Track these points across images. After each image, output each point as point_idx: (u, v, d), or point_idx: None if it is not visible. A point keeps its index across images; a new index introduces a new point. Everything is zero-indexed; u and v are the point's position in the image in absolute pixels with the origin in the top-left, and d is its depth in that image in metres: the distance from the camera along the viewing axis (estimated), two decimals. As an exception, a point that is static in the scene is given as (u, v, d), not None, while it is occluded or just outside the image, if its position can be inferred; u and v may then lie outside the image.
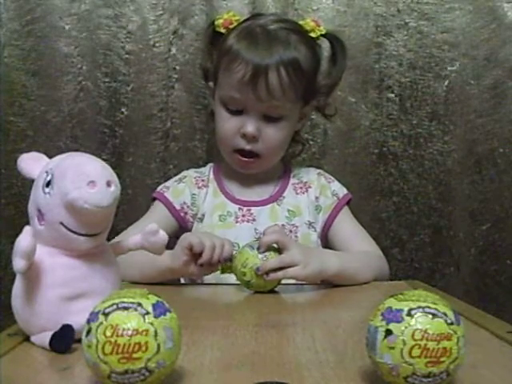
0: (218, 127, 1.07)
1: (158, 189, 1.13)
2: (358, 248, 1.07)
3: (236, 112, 1.04)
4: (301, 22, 1.10)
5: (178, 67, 1.29)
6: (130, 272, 0.93)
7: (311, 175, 1.15)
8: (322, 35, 1.10)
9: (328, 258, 0.95)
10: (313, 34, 1.08)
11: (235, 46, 1.02)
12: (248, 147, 1.04)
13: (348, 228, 1.11)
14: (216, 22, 1.09)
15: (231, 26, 1.07)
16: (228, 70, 1.02)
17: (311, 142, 1.32)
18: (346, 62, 1.12)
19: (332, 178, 1.16)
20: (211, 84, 1.11)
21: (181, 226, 1.09)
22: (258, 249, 0.91)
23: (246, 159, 1.06)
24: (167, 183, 1.14)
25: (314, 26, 1.09)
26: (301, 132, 1.18)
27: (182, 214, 1.10)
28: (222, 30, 1.08)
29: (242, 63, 1.00)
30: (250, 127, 1.02)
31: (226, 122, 1.05)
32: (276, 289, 0.93)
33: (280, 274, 0.90)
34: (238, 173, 1.11)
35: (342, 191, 1.14)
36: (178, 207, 1.10)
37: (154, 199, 1.12)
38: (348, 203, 1.14)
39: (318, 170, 1.17)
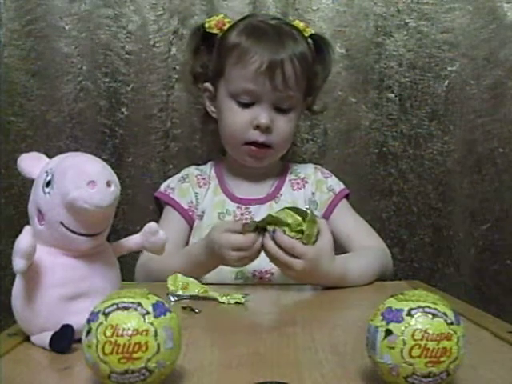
0: (227, 122, 1.07)
1: (162, 189, 1.13)
2: (361, 243, 1.07)
3: (247, 105, 1.05)
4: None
5: (178, 67, 1.29)
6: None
7: (308, 170, 1.16)
8: (309, 36, 1.11)
9: (333, 269, 0.91)
10: (305, 34, 1.10)
11: (244, 40, 1.04)
12: (261, 139, 1.05)
13: (349, 223, 1.11)
14: (207, 24, 1.11)
15: (224, 27, 1.09)
16: (240, 63, 1.03)
17: (311, 142, 1.32)
18: (332, 63, 1.15)
19: (329, 173, 1.17)
20: (207, 85, 1.12)
21: (190, 227, 1.09)
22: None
23: (260, 149, 1.06)
24: (171, 183, 1.14)
25: (304, 26, 1.11)
26: None
27: (190, 213, 1.10)
28: (216, 31, 1.09)
29: (255, 55, 1.01)
30: (264, 118, 1.03)
31: (238, 115, 1.05)
32: (275, 289, 0.93)
33: (280, 254, 0.88)
34: (240, 170, 1.12)
35: (338, 186, 1.14)
36: (185, 207, 1.10)
37: (157, 199, 1.12)
38: (347, 198, 1.14)
39: (316, 165, 1.18)
